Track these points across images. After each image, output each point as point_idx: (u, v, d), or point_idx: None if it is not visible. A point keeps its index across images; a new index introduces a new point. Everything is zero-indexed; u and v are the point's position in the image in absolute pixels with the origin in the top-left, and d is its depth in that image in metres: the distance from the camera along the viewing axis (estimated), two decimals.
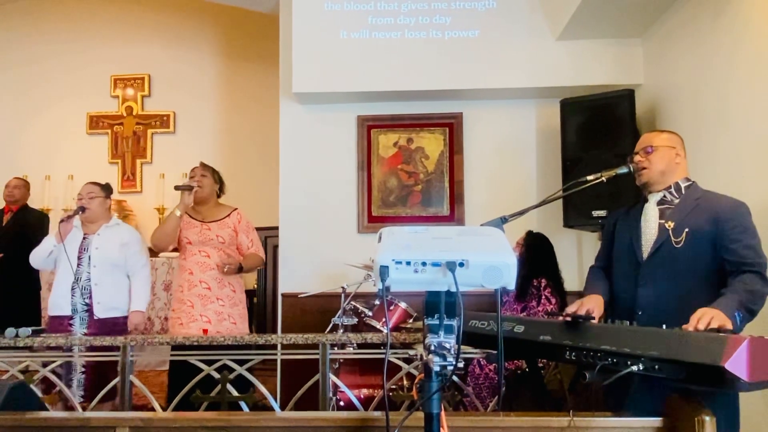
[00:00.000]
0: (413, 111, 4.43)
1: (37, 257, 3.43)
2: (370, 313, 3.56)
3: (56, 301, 3.35)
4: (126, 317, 3.44)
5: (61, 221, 3.32)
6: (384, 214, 4.40)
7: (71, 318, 3.31)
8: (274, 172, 4.49)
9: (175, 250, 3.54)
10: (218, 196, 3.55)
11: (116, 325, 3.37)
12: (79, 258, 3.36)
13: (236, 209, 3.51)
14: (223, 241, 3.36)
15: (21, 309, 4.63)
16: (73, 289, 3.32)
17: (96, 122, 6.76)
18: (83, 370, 3.23)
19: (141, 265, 3.50)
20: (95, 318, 3.31)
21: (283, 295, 4.33)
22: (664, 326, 1.64)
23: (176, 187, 3.38)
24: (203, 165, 3.53)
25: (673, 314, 1.81)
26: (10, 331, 2.75)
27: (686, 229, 2.05)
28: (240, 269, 3.35)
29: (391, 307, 3.56)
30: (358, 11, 4.25)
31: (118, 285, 3.42)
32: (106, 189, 3.56)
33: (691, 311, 1.78)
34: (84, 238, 3.41)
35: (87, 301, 3.32)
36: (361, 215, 4.40)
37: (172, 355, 3.00)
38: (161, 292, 5.54)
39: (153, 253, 5.92)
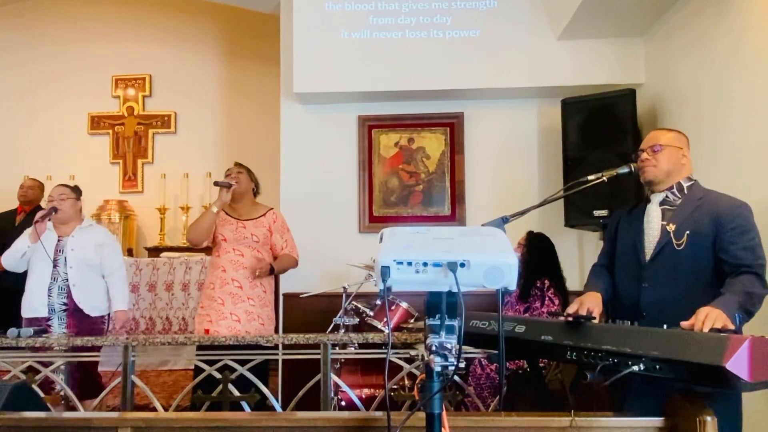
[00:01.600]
0: (414, 111, 4.43)
1: (9, 258, 3.42)
2: (372, 313, 3.56)
3: (31, 303, 3.35)
4: (103, 317, 3.48)
5: (36, 222, 3.32)
6: (385, 214, 4.40)
7: (48, 319, 3.32)
8: (275, 172, 4.49)
9: (208, 248, 3.53)
10: (254, 195, 3.53)
11: (95, 324, 3.41)
12: (55, 259, 3.38)
13: (272, 209, 3.50)
14: (257, 240, 3.34)
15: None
16: (50, 289, 3.34)
17: (97, 122, 6.77)
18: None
19: (117, 265, 3.54)
20: (74, 318, 3.33)
21: (284, 295, 4.33)
22: (665, 326, 1.64)
23: (216, 183, 3.36)
24: (239, 165, 3.50)
25: (676, 316, 1.81)
26: (12, 331, 2.76)
27: (687, 232, 2.06)
28: (271, 271, 3.32)
29: (393, 307, 3.56)
30: (359, 11, 4.25)
31: (94, 285, 3.45)
32: (76, 191, 3.59)
33: (694, 312, 1.78)
34: (59, 240, 3.42)
35: (65, 301, 3.35)
36: (363, 215, 4.41)
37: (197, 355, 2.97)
38: (163, 292, 5.54)
39: (154, 253, 5.97)
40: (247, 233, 3.34)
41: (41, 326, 3.26)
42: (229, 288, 3.27)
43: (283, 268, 3.46)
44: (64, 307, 3.34)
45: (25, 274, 3.45)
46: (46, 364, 2.77)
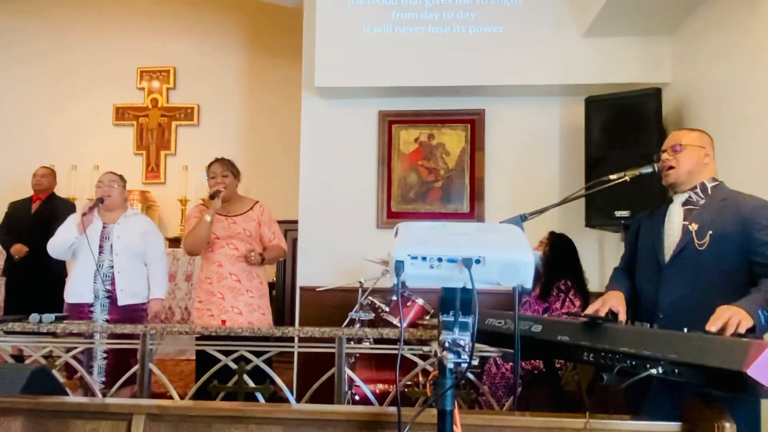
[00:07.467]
0: (435, 107, 4.40)
1: (56, 247, 3.46)
2: (387, 309, 3.56)
3: (77, 289, 3.41)
4: (145, 304, 3.55)
5: (84, 214, 3.38)
6: (403, 210, 4.38)
7: (91, 305, 3.38)
8: (295, 166, 4.51)
9: None
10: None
11: (136, 312, 3.49)
12: (100, 246, 3.44)
13: (258, 202, 3.55)
14: (249, 234, 3.40)
15: (50, 295, 4.73)
16: (95, 276, 3.39)
17: (122, 114, 6.87)
18: (105, 356, 3.31)
19: (160, 254, 3.66)
20: (118, 305, 3.40)
21: (301, 288, 4.35)
22: (685, 329, 1.61)
23: (211, 197, 3.39)
24: (221, 164, 3.49)
25: (694, 317, 1.77)
26: (33, 317, 2.82)
27: (710, 232, 2.01)
28: (262, 261, 3.38)
29: (408, 303, 3.55)
30: (381, 6, 4.23)
31: (138, 273, 3.53)
32: (123, 179, 3.68)
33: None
34: (104, 227, 3.48)
35: (109, 288, 3.41)
36: (381, 211, 4.40)
37: (196, 344, 3.03)
38: (183, 282, 5.61)
39: (175, 244, 6.03)
40: (239, 228, 3.40)
41: (84, 312, 3.37)
42: (228, 282, 3.32)
43: (272, 257, 3.53)
44: (107, 294, 3.41)
45: (65, 262, 3.53)
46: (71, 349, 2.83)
